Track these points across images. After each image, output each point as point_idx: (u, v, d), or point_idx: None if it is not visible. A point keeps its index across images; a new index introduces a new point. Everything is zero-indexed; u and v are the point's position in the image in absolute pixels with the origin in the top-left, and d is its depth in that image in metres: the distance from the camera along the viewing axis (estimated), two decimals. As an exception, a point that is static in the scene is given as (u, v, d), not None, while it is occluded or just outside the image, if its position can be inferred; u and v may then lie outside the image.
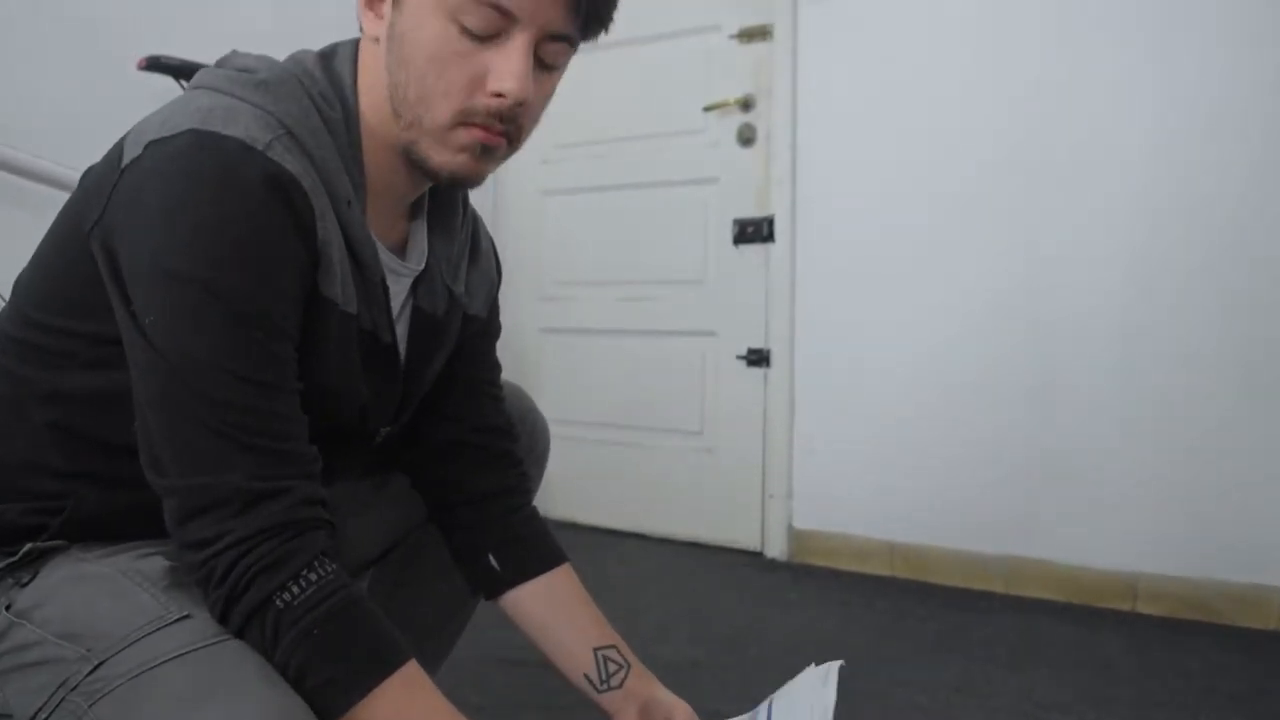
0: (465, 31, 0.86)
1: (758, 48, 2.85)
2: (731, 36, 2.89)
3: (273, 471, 0.82)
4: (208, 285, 0.79)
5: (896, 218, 2.64)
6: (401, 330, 1.04)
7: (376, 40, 0.91)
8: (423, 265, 1.04)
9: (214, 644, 0.79)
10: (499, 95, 0.87)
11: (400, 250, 1.03)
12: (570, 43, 0.90)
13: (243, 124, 0.83)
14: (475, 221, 1.16)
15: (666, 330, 3.07)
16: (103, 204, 0.84)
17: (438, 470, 1.20)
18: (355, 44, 0.96)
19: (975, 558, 2.56)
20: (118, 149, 0.86)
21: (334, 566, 0.83)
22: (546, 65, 0.91)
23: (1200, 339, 2.28)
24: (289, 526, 0.82)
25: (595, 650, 1.12)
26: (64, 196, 1.94)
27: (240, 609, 0.80)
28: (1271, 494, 2.22)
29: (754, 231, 2.87)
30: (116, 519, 0.91)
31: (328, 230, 0.87)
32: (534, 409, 1.37)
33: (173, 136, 0.81)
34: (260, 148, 0.82)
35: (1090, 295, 2.39)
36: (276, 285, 0.83)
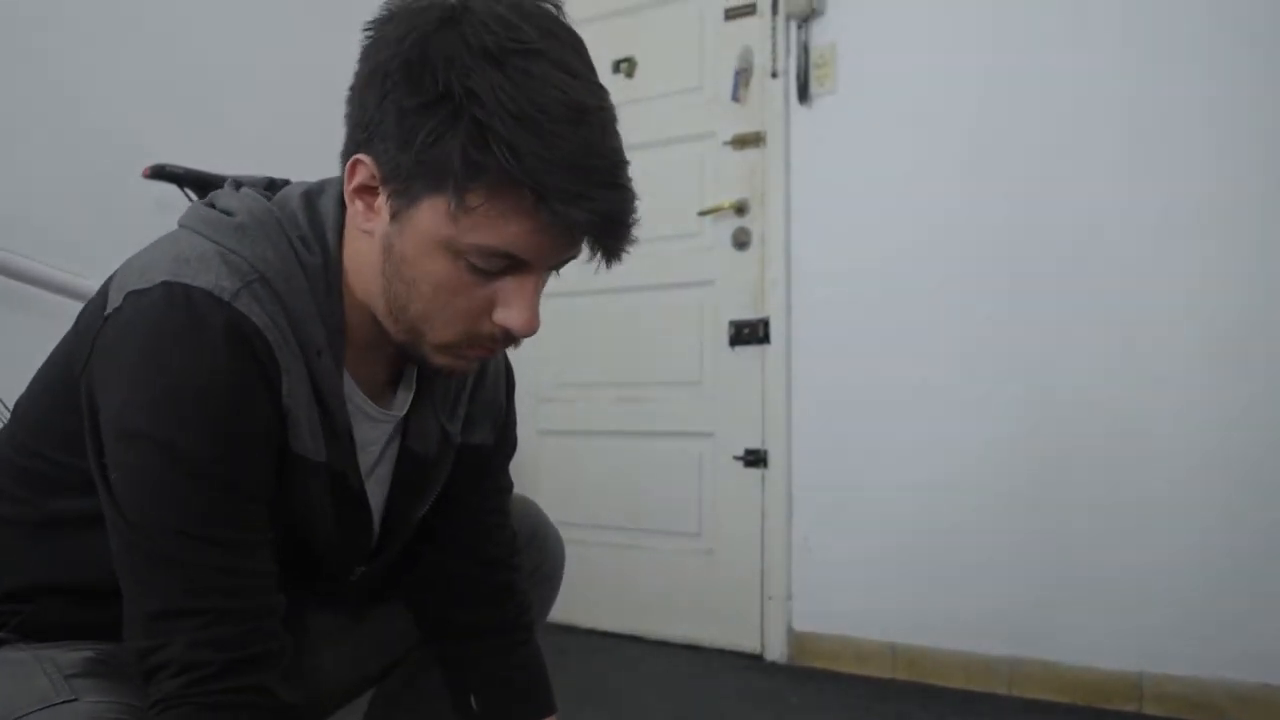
0: (474, 269, 0.83)
1: (751, 153, 2.91)
2: (726, 143, 2.95)
3: (215, 635, 0.81)
4: (167, 445, 0.79)
5: (892, 317, 2.67)
6: (385, 470, 1.03)
7: (369, 234, 0.87)
8: (404, 411, 1.02)
9: None
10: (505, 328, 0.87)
11: (389, 391, 1.02)
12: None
13: (213, 272, 0.82)
14: None
15: (664, 431, 3.08)
16: (88, 351, 0.84)
17: (432, 599, 1.18)
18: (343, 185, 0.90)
19: (978, 659, 2.52)
20: (105, 290, 0.87)
21: None
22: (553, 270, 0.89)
23: (1204, 439, 2.28)
24: (214, 693, 0.81)
25: None
26: (67, 302, 1.98)
27: None
28: (1278, 593, 2.20)
29: (750, 333, 2.90)
30: (71, 629, 0.91)
31: (294, 383, 0.86)
32: (545, 524, 1.33)
33: (149, 289, 0.81)
34: (227, 298, 0.81)
35: (1092, 391, 2.40)
36: (239, 443, 0.83)
